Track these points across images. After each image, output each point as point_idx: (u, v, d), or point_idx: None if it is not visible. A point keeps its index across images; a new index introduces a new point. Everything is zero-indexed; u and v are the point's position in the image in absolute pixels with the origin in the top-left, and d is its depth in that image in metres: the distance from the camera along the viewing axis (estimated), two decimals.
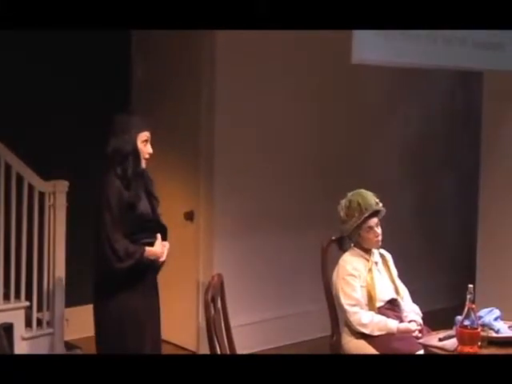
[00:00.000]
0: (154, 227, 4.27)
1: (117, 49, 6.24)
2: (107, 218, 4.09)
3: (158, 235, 4.25)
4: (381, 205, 4.43)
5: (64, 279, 5.52)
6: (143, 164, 4.26)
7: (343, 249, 4.55)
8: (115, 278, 4.14)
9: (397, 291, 4.46)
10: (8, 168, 5.28)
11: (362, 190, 4.45)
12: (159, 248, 4.23)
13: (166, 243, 4.31)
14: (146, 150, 4.25)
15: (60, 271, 5.50)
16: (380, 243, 4.46)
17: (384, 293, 4.40)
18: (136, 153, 4.21)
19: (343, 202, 4.43)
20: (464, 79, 7.35)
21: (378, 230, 4.42)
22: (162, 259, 4.26)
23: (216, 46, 5.73)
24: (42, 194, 5.43)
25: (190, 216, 5.94)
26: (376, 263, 4.47)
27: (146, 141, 4.26)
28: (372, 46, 4.15)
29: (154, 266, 4.26)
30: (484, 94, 6.01)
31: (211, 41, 5.72)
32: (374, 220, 4.40)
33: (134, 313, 4.20)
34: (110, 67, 6.20)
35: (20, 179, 5.33)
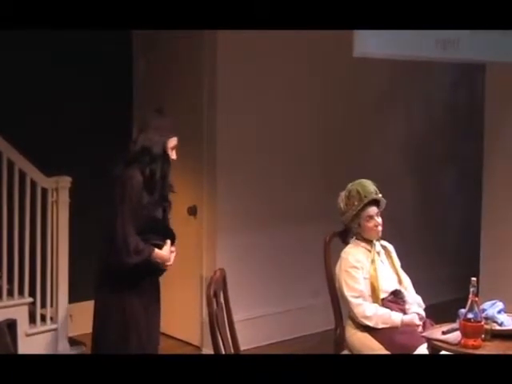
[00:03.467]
0: (163, 231, 4.28)
1: (118, 46, 6.24)
2: (126, 210, 4.07)
3: (168, 240, 4.25)
4: (380, 195, 4.43)
5: (67, 275, 5.53)
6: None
7: (346, 242, 4.55)
8: (120, 272, 4.12)
9: (400, 282, 4.46)
10: (11, 164, 5.29)
11: (362, 179, 4.46)
12: (167, 252, 4.24)
13: (174, 249, 4.31)
14: (172, 155, 4.25)
15: (63, 267, 5.51)
16: (380, 233, 4.46)
17: (387, 284, 4.39)
18: (166, 157, 4.21)
19: (343, 193, 4.45)
20: (466, 72, 7.34)
21: (379, 220, 4.42)
22: (168, 263, 4.26)
23: (217, 44, 5.73)
24: (44, 190, 5.44)
25: (192, 211, 5.94)
26: (378, 253, 4.46)
27: (174, 147, 4.26)
28: (374, 39, 4.14)
29: (159, 269, 4.26)
30: (487, 87, 5.99)
31: (212, 39, 5.72)
32: (374, 209, 4.40)
33: (135, 314, 4.20)
34: (112, 65, 6.20)
35: (23, 175, 5.33)
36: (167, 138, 4.21)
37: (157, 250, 4.17)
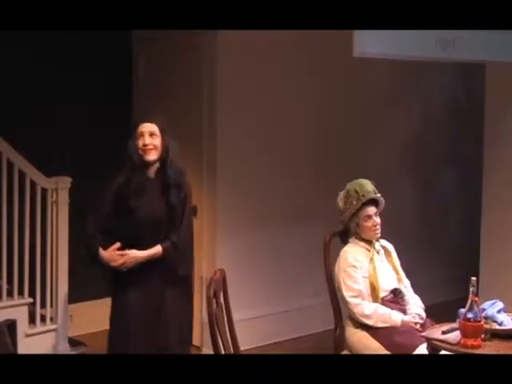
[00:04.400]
0: (125, 233, 4.26)
1: (118, 47, 6.24)
2: (95, 209, 4.30)
3: (117, 244, 4.24)
4: (379, 195, 4.43)
5: (67, 275, 5.53)
6: (147, 157, 4.24)
7: (345, 242, 4.54)
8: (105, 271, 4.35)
9: (400, 280, 4.45)
10: (10, 165, 5.29)
11: (360, 179, 4.45)
12: (108, 254, 4.23)
13: (130, 251, 4.25)
14: (140, 144, 4.25)
15: (63, 267, 5.52)
16: (379, 234, 4.45)
17: (387, 282, 4.39)
18: (131, 161, 4.25)
19: (341, 192, 4.45)
20: (466, 72, 7.34)
21: (377, 220, 4.41)
22: (112, 264, 4.24)
23: (217, 44, 5.73)
24: (44, 191, 5.44)
25: (193, 211, 5.92)
26: (378, 252, 4.46)
27: (141, 135, 4.25)
28: (373, 39, 4.14)
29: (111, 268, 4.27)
30: (487, 87, 5.99)
31: (212, 39, 5.71)
32: (373, 209, 4.40)
33: (122, 311, 4.31)
34: (111, 65, 6.20)
35: (22, 176, 5.34)
36: (134, 135, 4.27)
37: (101, 251, 4.25)
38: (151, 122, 4.28)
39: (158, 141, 4.25)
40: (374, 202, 4.42)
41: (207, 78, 5.82)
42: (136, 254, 4.25)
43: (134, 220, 4.23)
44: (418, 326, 4.23)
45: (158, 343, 4.28)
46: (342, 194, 4.44)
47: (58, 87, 5.92)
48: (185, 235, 4.39)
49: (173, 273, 4.33)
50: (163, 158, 4.28)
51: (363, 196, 4.37)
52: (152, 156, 4.25)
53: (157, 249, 4.28)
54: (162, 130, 4.28)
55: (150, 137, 4.24)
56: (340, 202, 4.43)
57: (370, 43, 4.16)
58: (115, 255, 4.23)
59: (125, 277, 4.26)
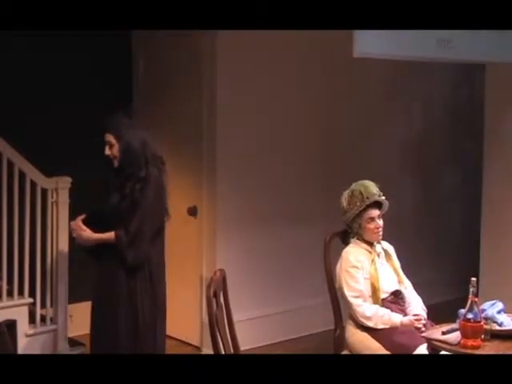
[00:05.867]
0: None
1: (118, 47, 6.23)
2: None
3: (82, 215, 4.52)
4: (383, 197, 4.43)
5: (67, 275, 5.53)
6: (114, 164, 4.43)
7: (346, 242, 4.55)
8: None
9: (400, 282, 4.46)
10: (10, 165, 5.29)
11: (365, 180, 4.45)
12: (72, 224, 4.56)
13: (87, 230, 4.46)
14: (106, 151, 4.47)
15: (63, 267, 5.51)
16: (381, 236, 4.45)
17: (388, 284, 4.39)
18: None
19: (346, 192, 4.44)
20: (466, 72, 7.34)
21: (380, 222, 4.42)
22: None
23: (217, 44, 5.72)
24: (44, 191, 5.44)
25: (192, 211, 5.94)
26: (378, 254, 4.46)
27: (106, 143, 4.45)
28: (373, 40, 4.14)
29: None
30: (486, 87, 5.99)
31: (212, 39, 5.71)
32: (376, 211, 4.40)
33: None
34: (111, 65, 6.20)
35: (22, 176, 5.34)
36: None
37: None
38: (107, 132, 4.43)
39: (115, 150, 4.41)
40: (377, 204, 4.42)
41: (207, 78, 5.82)
42: (91, 235, 4.46)
43: (105, 210, 4.44)
44: (420, 325, 4.23)
45: (109, 337, 4.38)
46: (346, 194, 4.44)
47: (58, 87, 5.93)
48: (137, 224, 4.37)
49: (124, 261, 4.36)
50: (121, 162, 4.41)
51: (367, 198, 4.37)
52: (115, 164, 4.44)
53: (110, 234, 4.39)
54: (118, 137, 4.41)
55: (109, 147, 4.43)
56: (344, 202, 4.42)
57: (370, 43, 4.15)
58: (74, 225, 4.52)
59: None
